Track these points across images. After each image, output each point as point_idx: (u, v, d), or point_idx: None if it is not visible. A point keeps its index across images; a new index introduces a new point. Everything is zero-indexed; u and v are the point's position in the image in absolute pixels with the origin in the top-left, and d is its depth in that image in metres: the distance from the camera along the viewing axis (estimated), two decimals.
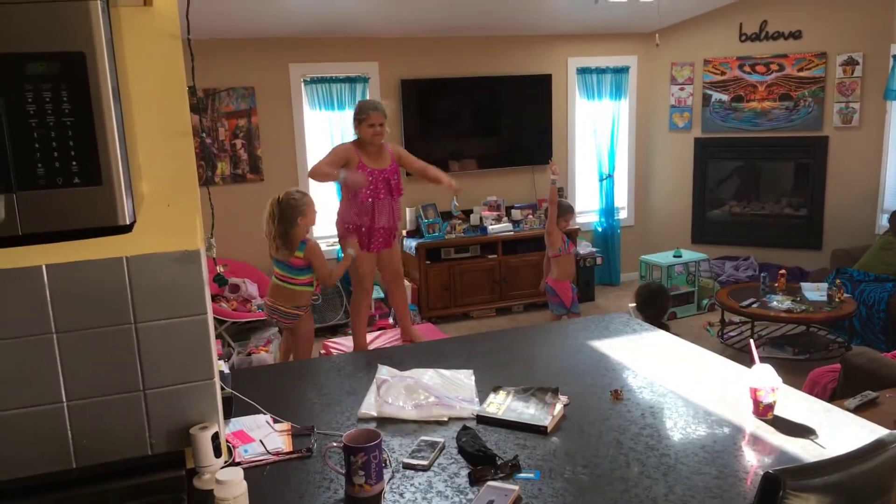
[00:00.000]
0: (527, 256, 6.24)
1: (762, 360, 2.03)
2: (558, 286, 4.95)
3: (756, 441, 1.85)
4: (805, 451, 1.78)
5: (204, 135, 5.43)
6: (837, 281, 5.17)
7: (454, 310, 6.15)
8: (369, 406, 2.07)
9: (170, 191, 1.57)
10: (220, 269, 4.35)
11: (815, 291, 5.07)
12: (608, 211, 6.98)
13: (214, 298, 5.22)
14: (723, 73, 6.46)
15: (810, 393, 3.84)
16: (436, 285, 6.06)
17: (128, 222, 1.23)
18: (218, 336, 5.21)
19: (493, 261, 6.21)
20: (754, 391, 1.95)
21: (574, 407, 2.09)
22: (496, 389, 2.15)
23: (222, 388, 1.91)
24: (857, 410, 3.10)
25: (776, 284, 5.24)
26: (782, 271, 5.36)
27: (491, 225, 6.27)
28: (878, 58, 5.90)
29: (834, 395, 3.62)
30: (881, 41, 5.87)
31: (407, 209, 6.27)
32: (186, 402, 1.67)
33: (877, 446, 1.52)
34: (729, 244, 6.77)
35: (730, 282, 6.22)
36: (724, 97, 6.49)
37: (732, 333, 5.44)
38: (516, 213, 6.44)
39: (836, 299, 4.92)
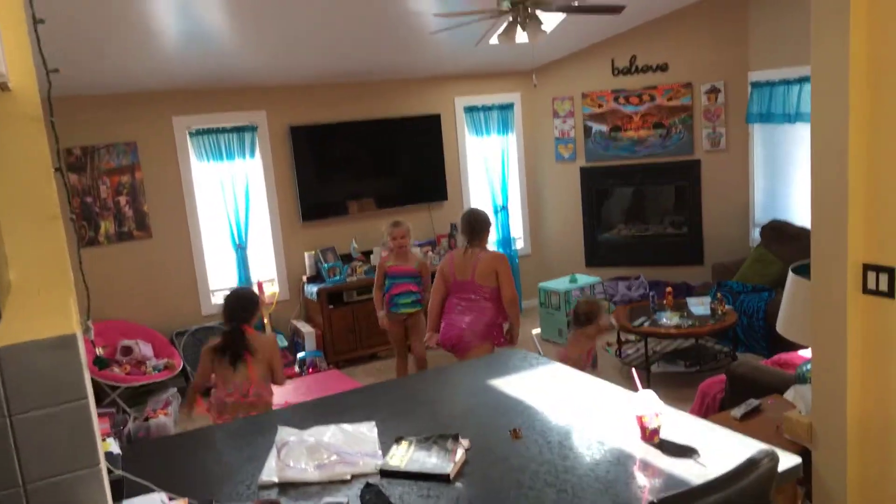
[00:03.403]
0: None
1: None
2: None
3: (645, 466, 1.95)
4: (689, 472, 1.89)
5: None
6: (719, 294, 5.49)
7: (361, 352, 6.11)
8: (270, 472, 2.04)
9: (40, 277, 1.52)
10: (99, 351, 4.16)
11: (699, 306, 5.37)
12: (505, 241, 7.17)
13: (106, 363, 4.97)
14: (600, 106, 6.82)
15: (701, 404, 4.07)
16: (340, 329, 6.01)
17: None
18: (111, 403, 4.96)
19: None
20: (640, 418, 2.05)
21: (476, 450, 2.13)
22: (398, 440, 2.16)
23: (111, 472, 1.84)
24: (743, 419, 3.31)
25: (664, 302, 5.51)
26: (668, 289, 5.65)
27: None
28: (737, 85, 6.40)
29: (723, 405, 3.84)
30: (739, 70, 6.37)
31: (305, 253, 6.22)
32: (71, 493, 1.59)
33: (749, 465, 1.65)
34: (620, 265, 7.09)
35: (624, 301, 6.49)
36: (604, 128, 6.85)
37: (629, 351, 5.67)
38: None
39: (719, 312, 5.23)
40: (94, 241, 5.36)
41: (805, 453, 3.03)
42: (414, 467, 2.00)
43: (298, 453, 2.08)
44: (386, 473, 2.00)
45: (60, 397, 1.56)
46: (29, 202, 1.48)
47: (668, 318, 5.21)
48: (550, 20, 5.43)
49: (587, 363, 4.38)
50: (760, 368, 3.89)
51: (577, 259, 7.23)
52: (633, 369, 2.35)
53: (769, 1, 6.02)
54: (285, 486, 1.99)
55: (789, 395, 3.40)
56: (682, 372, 5.19)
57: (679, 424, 2.18)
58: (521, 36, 4.60)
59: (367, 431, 2.27)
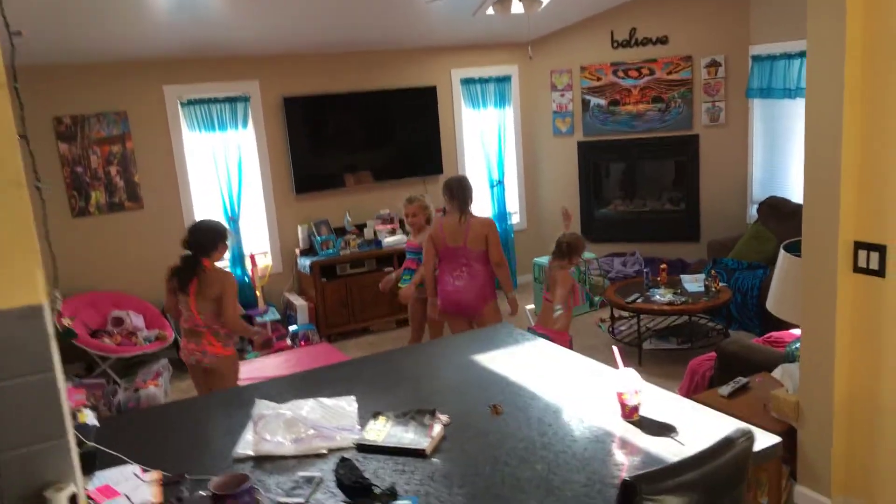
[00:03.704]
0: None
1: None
2: (560, 339, 3.73)
3: (624, 444, 1.93)
4: (667, 450, 1.87)
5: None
6: (713, 271, 5.46)
7: (353, 325, 6.10)
8: (246, 445, 2.02)
9: (4, 245, 1.48)
10: (66, 321, 4.12)
11: (693, 283, 5.34)
12: (501, 216, 7.12)
13: (97, 334, 4.97)
14: (599, 79, 6.72)
15: (690, 382, 4.06)
16: (333, 302, 5.99)
17: None
18: (101, 373, 4.96)
19: (389, 274, 6.19)
20: (620, 395, 2.03)
21: (455, 425, 2.11)
22: (376, 415, 2.15)
23: (82, 444, 1.82)
24: (730, 397, 3.30)
25: (658, 279, 5.48)
26: (663, 266, 5.61)
27: (385, 238, 6.27)
28: (738, 59, 6.30)
29: (712, 383, 3.82)
30: (740, 44, 6.27)
31: (299, 226, 6.18)
32: (38, 464, 1.58)
33: (725, 444, 1.62)
34: (616, 241, 7.04)
35: (619, 278, 6.46)
36: (602, 101, 6.76)
37: (623, 328, 5.65)
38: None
39: (713, 289, 5.20)
40: (85, 211, 5.31)
41: (791, 432, 3.03)
42: (391, 442, 1.98)
43: (275, 427, 2.07)
44: (362, 448, 1.99)
45: (25, 369, 1.54)
46: None
47: (662, 295, 5.18)
48: None
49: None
50: (750, 346, 3.87)
51: None
52: (615, 347, 2.32)
53: None
54: (261, 460, 1.97)
55: (777, 373, 3.38)
56: (673, 349, 5.17)
57: (661, 402, 2.16)
58: (517, 6, 4.52)
59: (347, 406, 2.25)
